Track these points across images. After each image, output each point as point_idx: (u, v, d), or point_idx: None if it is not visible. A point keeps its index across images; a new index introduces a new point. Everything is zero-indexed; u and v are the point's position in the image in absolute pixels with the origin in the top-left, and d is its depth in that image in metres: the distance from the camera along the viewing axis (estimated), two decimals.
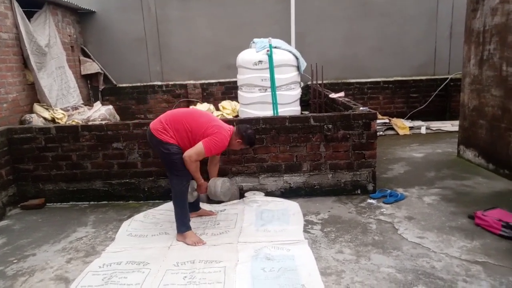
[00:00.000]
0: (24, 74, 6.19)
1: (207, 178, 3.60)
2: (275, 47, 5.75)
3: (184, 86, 8.40)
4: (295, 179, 4.25)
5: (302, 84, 6.80)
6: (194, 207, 3.76)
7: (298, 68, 5.97)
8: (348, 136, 4.14)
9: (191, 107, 7.87)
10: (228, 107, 7.70)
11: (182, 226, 3.34)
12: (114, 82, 8.38)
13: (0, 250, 3.37)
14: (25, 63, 6.19)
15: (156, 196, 4.33)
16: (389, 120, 7.59)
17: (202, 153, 3.21)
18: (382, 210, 3.84)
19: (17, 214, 4.18)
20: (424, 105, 8.26)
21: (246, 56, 5.92)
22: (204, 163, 3.56)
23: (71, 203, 4.37)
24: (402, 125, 7.32)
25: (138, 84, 8.43)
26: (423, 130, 7.28)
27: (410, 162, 5.37)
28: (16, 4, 5.92)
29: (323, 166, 4.22)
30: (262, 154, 4.20)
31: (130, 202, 4.33)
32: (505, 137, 4.56)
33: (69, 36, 7.69)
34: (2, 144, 4.17)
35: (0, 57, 5.64)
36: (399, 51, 8.22)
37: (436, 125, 7.48)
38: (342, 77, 8.27)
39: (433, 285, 2.59)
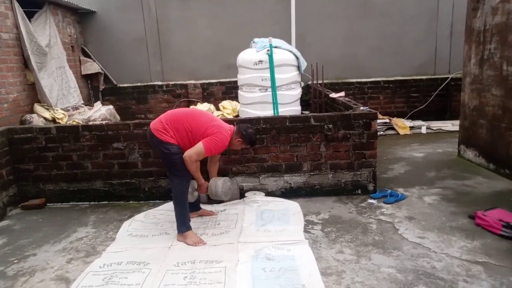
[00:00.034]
0: (24, 74, 6.19)
1: (207, 178, 3.60)
2: (276, 47, 5.75)
3: (185, 86, 8.40)
4: (295, 179, 4.25)
5: (303, 84, 6.81)
6: (195, 207, 3.77)
7: (298, 67, 5.97)
8: (348, 136, 4.14)
9: (191, 107, 7.87)
10: (228, 107, 7.70)
11: (183, 226, 3.34)
12: (115, 82, 8.38)
13: (1, 250, 3.37)
14: (25, 63, 6.19)
15: (156, 196, 4.33)
16: (390, 120, 7.59)
17: (202, 153, 3.21)
18: (382, 210, 3.84)
19: (18, 214, 4.18)
20: (425, 104, 8.25)
21: (246, 56, 5.92)
22: (204, 163, 3.56)
23: (71, 203, 4.38)
24: (403, 125, 7.32)
25: (139, 84, 8.43)
26: (424, 130, 7.28)
27: (410, 162, 5.37)
28: (16, 4, 5.92)
29: (323, 166, 4.22)
30: (262, 154, 4.20)
31: (131, 202, 4.34)
32: (506, 136, 4.56)
33: (70, 36, 7.69)
34: (2, 144, 4.18)
35: (1, 57, 5.64)
36: (399, 51, 8.21)
37: (436, 124, 7.47)
38: (343, 76, 8.27)
39: (434, 285, 2.59)
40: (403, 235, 3.30)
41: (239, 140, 3.36)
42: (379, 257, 2.97)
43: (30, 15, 6.37)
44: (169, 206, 3.82)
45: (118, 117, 7.69)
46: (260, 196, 4.17)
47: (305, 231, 3.45)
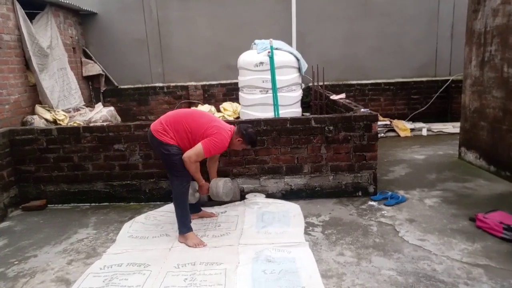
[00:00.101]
0: (26, 75, 6.20)
1: (207, 179, 3.60)
2: (276, 49, 5.75)
3: (185, 88, 8.42)
4: (296, 181, 4.25)
5: (303, 86, 6.80)
6: (195, 208, 3.77)
7: (299, 69, 5.97)
8: (349, 137, 4.14)
9: (192, 108, 7.88)
10: (229, 109, 7.71)
11: (183, 227, 3.34)
12: (116, 84, 8.40)
13: (1, 252, 3.38)
14: (27, 65, 6.21)
15: (157, 198, 4.33)
16: (390, 122, 7.58)
17: (201, 154, 3.21)
18: (383, 212, 3.84)
19: (19, 215, 4.19)
20: (425, 106, 8.25)
21: (247, 58, 5.93)
22: (203, 163, 3.56)
23: (72, 204, 4.38)
24: (403, 127, 7.31)
25: (140, 85, 8.45)
26: (424, 132, 7.27)
27: (411, 164, 5.36)
28: (18, 6, 5.94)
29: (324, 168, 4.21)
30: (263, 156, 4.20)
31: (131, 203, 4.34)
32: (507, 139, 4.55)
33: (71, 37, 7.72)
34: (4, 145, 4.18)
35: (2, 59, 5.66)
36: (400, 51, 8.21)
37: (437, 127, 7.46)
38: (343, 78, 8.28)
39: None
40: (403, 237, 3.30)
41: (239, 140, 3.36)
42: (379, 260, 2.96)
43: (31, 17, 6.39)
44: (170, 207, 3.82)
45: (119, 118, 7.70)
46: (260, 198, 4.17)
47: (306, 233, 3.45)
